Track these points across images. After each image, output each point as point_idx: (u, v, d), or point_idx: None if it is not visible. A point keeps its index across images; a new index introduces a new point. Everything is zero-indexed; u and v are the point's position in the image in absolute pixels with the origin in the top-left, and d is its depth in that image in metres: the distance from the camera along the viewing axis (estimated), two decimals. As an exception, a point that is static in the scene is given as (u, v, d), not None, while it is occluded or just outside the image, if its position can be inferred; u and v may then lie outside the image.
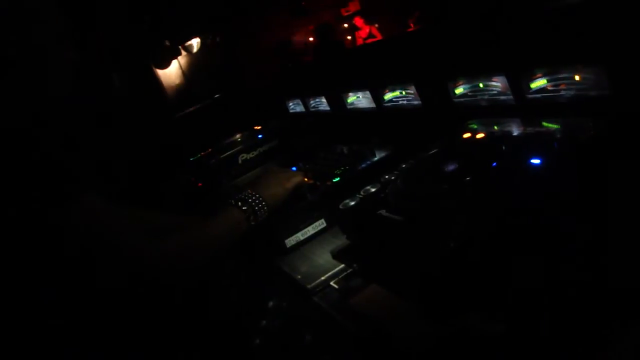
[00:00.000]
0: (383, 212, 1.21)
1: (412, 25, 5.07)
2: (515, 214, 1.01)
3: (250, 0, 4.94)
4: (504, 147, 1.27)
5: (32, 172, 1.10)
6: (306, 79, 3.08)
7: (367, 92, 2.25)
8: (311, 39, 4.48)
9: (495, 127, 1.44)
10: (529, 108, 1.48)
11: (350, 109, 2.46)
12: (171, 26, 5.03)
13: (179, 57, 5.47)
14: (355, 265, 1.41)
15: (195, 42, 5.36)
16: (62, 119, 1.30)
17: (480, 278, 0.98)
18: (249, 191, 1.61)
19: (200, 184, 3.09)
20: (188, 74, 5.54)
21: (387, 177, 1.41)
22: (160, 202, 3.18)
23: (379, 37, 6.01)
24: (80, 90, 1.39)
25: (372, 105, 2.26)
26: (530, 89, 1.46)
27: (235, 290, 2.04)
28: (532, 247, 0.98)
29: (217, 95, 4.71)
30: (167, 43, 5.16)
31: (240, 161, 2.69)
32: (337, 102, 2.54)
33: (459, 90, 1.75)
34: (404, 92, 2.04)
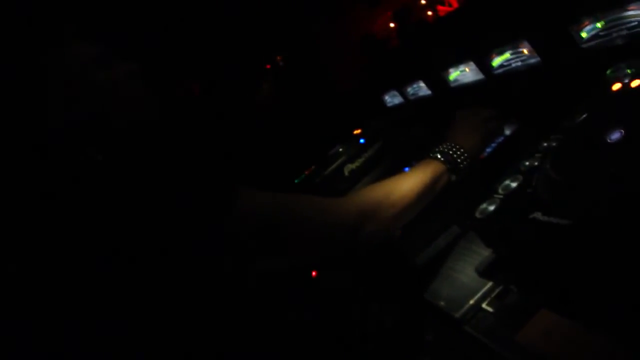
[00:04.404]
0: (538, 215, 0.89)
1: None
2: None
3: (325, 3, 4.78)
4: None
5: None
6: (397, 66, 2.78)
7: (471, 63, 1.92)
8: (392, 24, 4.22)
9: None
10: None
11: (455, 86, 2.14)
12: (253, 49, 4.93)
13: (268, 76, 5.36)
14: (512, 286, 1.10)
15: (279, 59, 5.23)
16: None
17: None
18: (448, 143, 1.46)
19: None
20: (279, 92, 5.41)
21: (527, 163, 1.08)
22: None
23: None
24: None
25: (480, 76, 1.93)
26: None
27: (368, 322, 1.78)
28: None
29: (309, 106, 4.52)
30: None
31: (346, 173, 2.44)
32: (438, 82, 2.22)
33: (586, 34, 1.40)
34: (515, 52, 1.70)
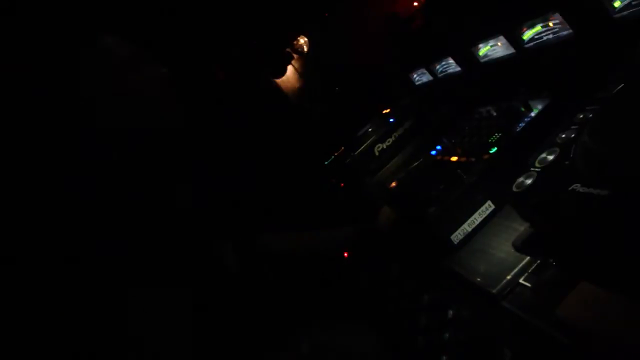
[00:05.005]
0: (577, 187, 0.88)
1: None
2: None
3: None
4: None
5: None
6: (425, 44, 2.75)
7: (501, 37, 1.89)
8: (415, 3, 4.16)
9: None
10: None
11: (485, 62, 2.11)
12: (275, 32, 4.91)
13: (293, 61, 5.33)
14: (551, 259, 1.09)
15: (303, 42, 5.20)
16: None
17: None
18: None
19: (342, 185, 2.92)
20: (305, 74, 5.39)
21: (563, 135, 1.07)
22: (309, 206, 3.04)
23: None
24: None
25: (511, 50, 1.90)
26: None
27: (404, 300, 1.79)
28: None
29: (337, 89, 4.50)
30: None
31: (377, 153, 2.44)
32: (468, 58, 2.19)
33: (618, 3, 1.37)
34: (547, 25, 1.67)
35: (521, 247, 1.15)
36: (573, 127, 1.07)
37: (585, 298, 0.96)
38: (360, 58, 4.47)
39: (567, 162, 0.98)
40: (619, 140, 0.89)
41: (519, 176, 1.09)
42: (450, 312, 1.51)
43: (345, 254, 2.16)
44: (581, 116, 1.09)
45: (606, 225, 0.85)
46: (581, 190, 0.87)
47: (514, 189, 1.05)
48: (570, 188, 0.89)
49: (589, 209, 0.86)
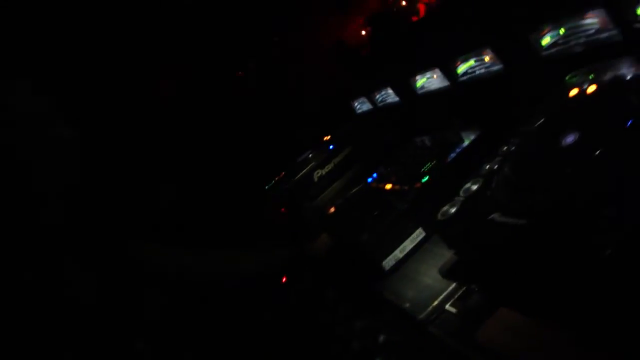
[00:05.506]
0: (496, 216, 0.92)
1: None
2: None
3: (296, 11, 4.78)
4: (632, 98, 0.95)
5: None
6: (366, 73, 2.81)
7: (437, 70, 1.95)
8: (364, 32, 4.23)
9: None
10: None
11: (422, 93, 2.17)
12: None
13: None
14: (473, 286, 1.13)
15: (251, 66, 5.21)
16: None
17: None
18: None
19: (283, 210, 2.92)
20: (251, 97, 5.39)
21: (488, 166, 1.11)
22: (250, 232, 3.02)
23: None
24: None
25: (446, 83, 1.96)
26: (638, 15, 1.14)
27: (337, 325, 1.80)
28: None
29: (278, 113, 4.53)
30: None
31: (316, 179, 2.45)
32: (405, 89, 2.25)
33: (546, 41, 1.44)
34: (479, 60, 1.73)
35: (446, 273, 1.18)
36: (497, 158, 1.12)
37: (504, 323, 0.99)
38: (305, 84, 4.51)
39: (489, 192, 1.02)
40: (536, 173, 0.93)
41: (446, 204, 1.12)
42: (382, 337, 1.52)
43: (284, 278, 2.16)
44: (505, 148, 1.14)
45: (522, 254, 0.89)
46: (499, 219, 0.91)
47: (439, 217, 1.09)
48: (489, 217, 0.93)
49: (506, 237, 0.89)
